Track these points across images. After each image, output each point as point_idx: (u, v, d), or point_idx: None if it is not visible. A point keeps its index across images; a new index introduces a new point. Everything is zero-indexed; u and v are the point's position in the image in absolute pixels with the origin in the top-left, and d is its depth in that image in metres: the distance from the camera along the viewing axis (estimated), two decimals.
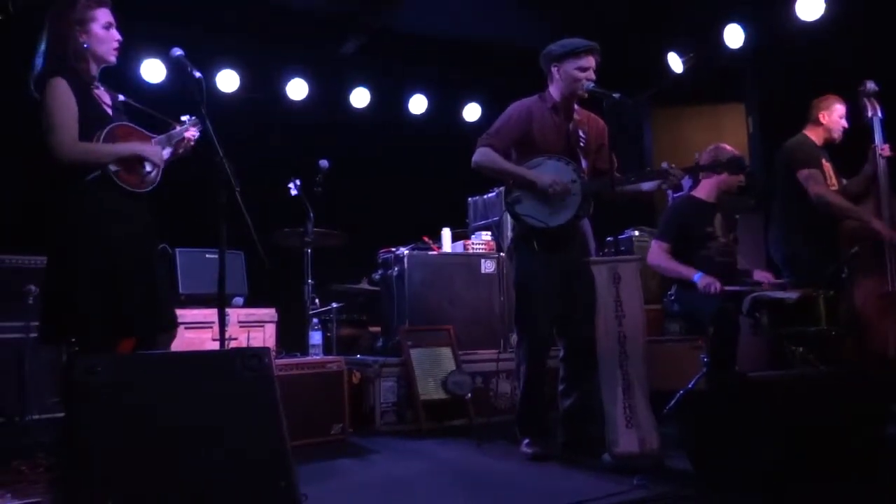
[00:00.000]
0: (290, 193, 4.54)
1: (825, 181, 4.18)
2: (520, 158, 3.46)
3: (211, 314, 4.66)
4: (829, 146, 4.33)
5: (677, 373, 4.28)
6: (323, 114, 6.68)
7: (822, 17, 5.20)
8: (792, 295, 3.69)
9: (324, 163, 4.66)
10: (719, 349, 3.67)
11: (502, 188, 3.95)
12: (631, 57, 6.05)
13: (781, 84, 5.77)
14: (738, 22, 5.72)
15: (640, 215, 5.62)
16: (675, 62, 6.16)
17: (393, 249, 4.99)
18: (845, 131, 4.31)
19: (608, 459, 3.01)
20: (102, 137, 2.72)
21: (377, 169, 6.61)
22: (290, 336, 4.96)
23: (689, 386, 3.97)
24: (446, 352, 4.56)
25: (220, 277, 2.77)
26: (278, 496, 2.11)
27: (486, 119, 6.92)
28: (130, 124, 2.85)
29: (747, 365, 4.09)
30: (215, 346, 4.29)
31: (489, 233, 5.24)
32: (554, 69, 3.46)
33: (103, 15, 2.80)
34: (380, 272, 5.18)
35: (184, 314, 4.34)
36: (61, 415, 2.26)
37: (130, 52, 5.44)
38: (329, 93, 6.75)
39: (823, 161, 4.24)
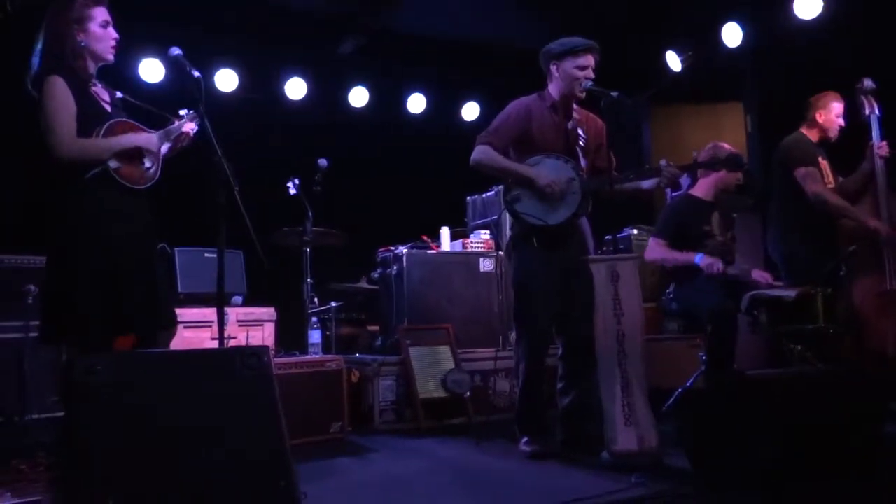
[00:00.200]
0: (288, 193, 4.54)
1: (822, 179, 4.18)
2: (518, 157, 3.46)
3: (210, 313, 4.67)
4: (826, 144, 4.33)
5: (676, 371, 4.29)
6: (322, 113, 6.68)
7: (821, 16, 5.20)
8: (790, 293, 3.70)
9: (323, 162, 4.66)
10: (717, 347, 3.68)
11: (501, 187, 3.95)
12: (630, 56, 6.05)
13: (780, 83, 5.78)
14: (737, 21, 5.73)
15: (639, 214, 5.62)
16: (674, 61, 6.17)
17: (392, 248, 5.00)
18: (842, 129, 4.31)
19: (607, 457, 3.01)
20: (101, 133, 2.72)
21: (376, 168, 6.61)
22: (289, 335, 4.97)
23: (688, 384, 3.98)
24: (445, 350, 4.56)
25: (220, 276, 2.77)
26: (278, 495, 2.12)
27: (484, 118, 6.90)
28: (129, 120, 2.85)
29: (746, 363, 4.10)
30: (214, 345, 4.29)
31: (488, 231, 5.25)
32: (553, 67, 3.46)
33: (101, 13, 2.81)
34: (378, 271, 5.18)
35: (183, 313, 4.34)
36: (61, 414, 2.26)
37: (129, 52, 5.45)
38: (328, 92, 6.75)
39: (820, 159, 4.24)
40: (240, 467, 2.10)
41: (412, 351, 4.44)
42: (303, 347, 4.39)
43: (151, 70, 5.82)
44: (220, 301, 2.78)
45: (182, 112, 3.00)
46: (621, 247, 5.27)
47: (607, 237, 5.39)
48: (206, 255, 4.91)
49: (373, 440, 3.96)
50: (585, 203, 3.39)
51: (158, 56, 5.73)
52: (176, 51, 2.87)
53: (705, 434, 2.78)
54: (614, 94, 3.21)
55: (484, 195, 5.46)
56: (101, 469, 1.93)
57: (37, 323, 2.92)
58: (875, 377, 3.26)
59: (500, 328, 4.86)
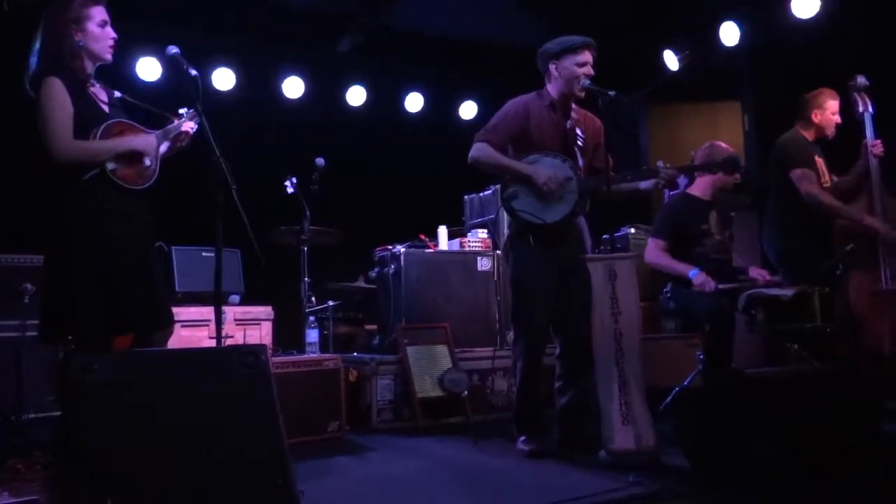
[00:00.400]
0: (286, 191, 4.54)
1: (818, 179, 4.18)
2: (517, 155, 3.46)
3: (207, 312, 4.68)
4: (823, 142, 4.32)
5: (673, 370, 4.30)
6: (319, 112, 6.67)
7: (818, 15, 5.21)
8: (787, 292, 3.70)
9: (320, 161, 4.66)
10: (715, 346, 3.68)
11: (498, 186, 3.95)
12: (628, 56, 6.06)
13: (777, 82, 5.78)
14: (735, 20, 5.74)
15: (637, 213, 5.62)
16: (672, 60, 6.17)
17: (389, 247, 4.99)
18: (837, 126, 4.30)
19: (604, 456, 3.01)
20: (99, 135, 2.71)
21: (374, 167, 6.61)
22: (287, 334, 4.97)
23: (685, 383, 3.98)
24: (443, 349, 4.56)
25: (217, 275, 2.76)
26: (276, 494, 2.12)
27: (482, 118, 6.89)
28: (127, 121, 2.85)
29: (743, 362, 4.10)
30: (211, 343, 4.30)
31: (485, 230, 5.25)
32: (552, 66, 3.46)
33: (98, 13, 2.80)
34: (376, 270, 5.18)
35: (180, 312, 4.35)
36: (58, 413, 2.26)
37: (126, 51, 5.43)
38: (325, 91, 6.75)
39: (816, 157, 4.24)
40: (238, 466, 2.10)
41: (410, 350, 4.44)
42: (300, 346, 4.39)
43: (148, 68, 5.82)
44: (217, 300, 2.78)
45: (181, 111, 3.00)
46: (619, 246, 5.26)
47: (605, 236, 5.39)
48: (204, 253, 4.91)
49: (370, 439, 3.96)
50: (583, 202, 3.40)
51: (155, 55, 5.72)
52: (173, 49, 2.87)
53: (703, 433, 2.79)
54: (612, 93, 3.21)
55: (481, 194, 5.46)
56: (98, 468, 1.92)
57: (34, 322, 2.91)
58: (871, 376, 3.26)
59: (497, 327, 4.87)
